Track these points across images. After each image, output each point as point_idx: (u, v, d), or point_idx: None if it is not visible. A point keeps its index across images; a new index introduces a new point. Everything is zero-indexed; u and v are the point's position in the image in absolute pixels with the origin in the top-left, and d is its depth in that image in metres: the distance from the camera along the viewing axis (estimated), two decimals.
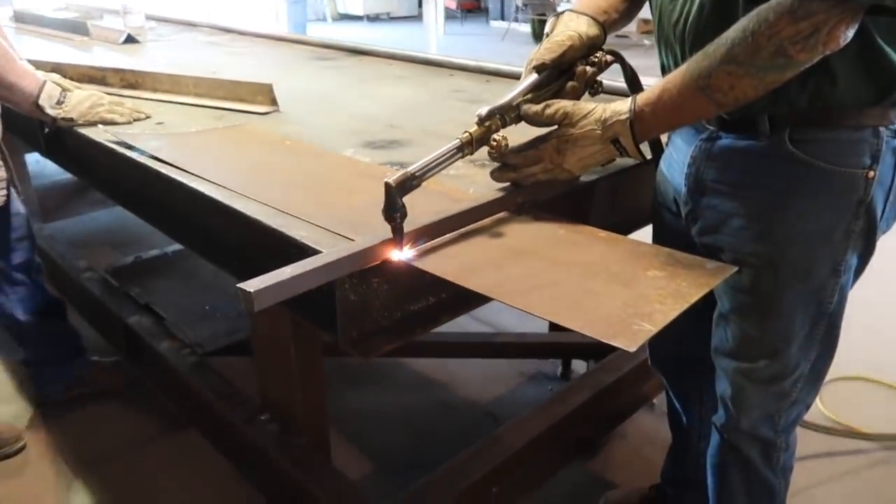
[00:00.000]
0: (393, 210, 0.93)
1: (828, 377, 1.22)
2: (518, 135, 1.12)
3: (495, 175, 1.13)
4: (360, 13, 12.54)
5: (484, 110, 1.07)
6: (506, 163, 1.11)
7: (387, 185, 0.93)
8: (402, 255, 0.95)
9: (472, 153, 1.07)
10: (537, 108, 1.08)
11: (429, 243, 0.98)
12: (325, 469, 1.45)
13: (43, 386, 2.19)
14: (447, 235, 1.01)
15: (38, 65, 1.78)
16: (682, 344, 1.37)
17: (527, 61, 1.16)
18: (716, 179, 1.09)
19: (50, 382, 2.18)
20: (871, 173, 0.99)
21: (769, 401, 1.18)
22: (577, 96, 1.15)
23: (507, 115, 1.09)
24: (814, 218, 1.02)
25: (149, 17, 3.30)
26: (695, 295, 0.87)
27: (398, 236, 0.94)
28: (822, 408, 2.16)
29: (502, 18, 11.83)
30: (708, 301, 1.04)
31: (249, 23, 3.38)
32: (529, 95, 1.12)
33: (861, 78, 0.94)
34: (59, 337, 2.16)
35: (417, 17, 11.72)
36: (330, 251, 0.90)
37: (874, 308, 2.59)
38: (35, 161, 3.04)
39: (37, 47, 2.80)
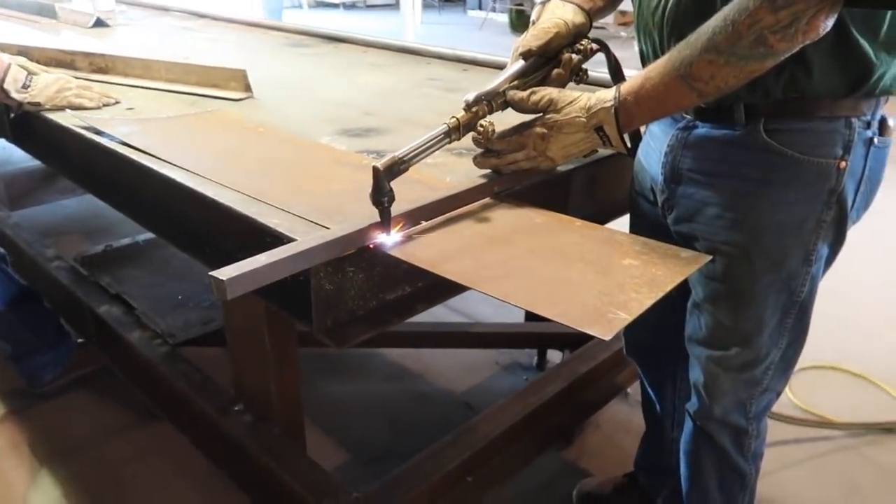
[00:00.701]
0: (380, 194, 0.93)
1: (797, 366, 1.23)
2: (502, 124, 1.12)
3: (478, 161, 1.13)
4: (337, 0, 12.40)
5: (471, 96, 1.07)
6: (489, 149, 1.11)
7: (375, 168, 0.92)
8: (389, 239, 0.94)
9: (459, 139, 1.06)
10: (523, 94, 1.08)
11: (404, 232, 0.98)
12: (299, 459, 1.44)
13: (36, 376, 2.12)
14: (423, 224, 1.00)
15: (3, 47, 1.73)
16: (657, 333, 1.38)
17: (513, 48, 1.16)
18: (692, 168, 1.10)
19: (43, 370, 2.12)
20: (843, 164, 1.00)
21: (741, 388, 1.20)
22: (562, 84, 1.16)
23: (493, 101, 1.09)
24: (786, 207, 1.03)
25: (119, 1, 3.23)
26: (670, 283, 0.87)
27: (386, 220, 0.93)
28: (791, 396, 2.20)
29: (480, 8, 11.77)
30: (682, 290, 1.05)
31: (224, 8, 3.32)
32: (516, 82, 1.12)
33: (835, 69, 0.95)
34: (41, 322, 2.11)
35: (395, 6, 11.61)
36: (305, 238, 0.89)
37: (843, 298, 2.64)
38: (2, 148, 2.95)
39: (1, 30, 2.72)
